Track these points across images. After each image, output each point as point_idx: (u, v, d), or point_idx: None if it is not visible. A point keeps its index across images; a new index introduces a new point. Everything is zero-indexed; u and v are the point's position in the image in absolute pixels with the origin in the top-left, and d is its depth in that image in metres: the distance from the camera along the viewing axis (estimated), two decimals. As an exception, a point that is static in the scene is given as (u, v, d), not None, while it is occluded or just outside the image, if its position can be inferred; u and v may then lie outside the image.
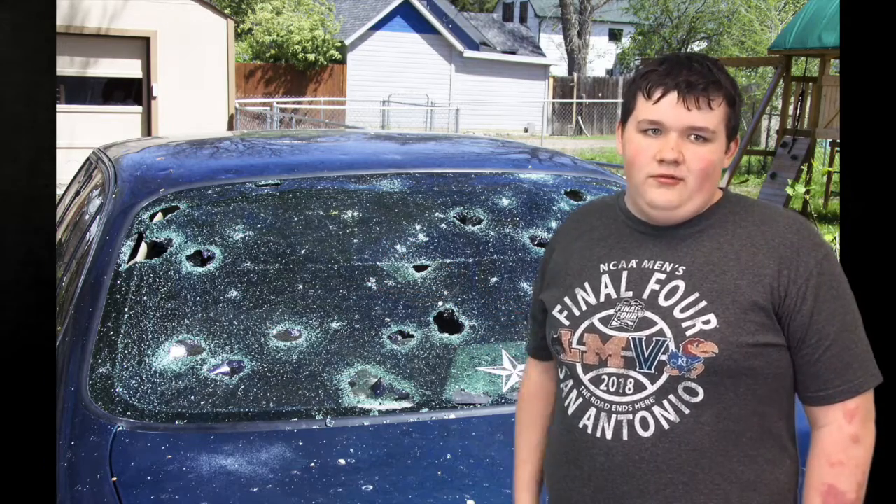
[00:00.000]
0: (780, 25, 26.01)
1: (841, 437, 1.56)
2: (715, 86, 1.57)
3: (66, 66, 13.88)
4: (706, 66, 1.58)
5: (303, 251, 2.64)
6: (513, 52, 33.43)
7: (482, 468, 2.05)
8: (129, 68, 14.55)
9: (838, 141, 13.02)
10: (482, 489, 1.97)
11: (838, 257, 1.73)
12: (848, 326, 1.58)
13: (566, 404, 1.66)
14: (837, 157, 13.58)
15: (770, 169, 13.74)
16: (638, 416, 1.56)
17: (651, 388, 1.55)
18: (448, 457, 2.10)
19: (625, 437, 1.56)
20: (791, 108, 13.97)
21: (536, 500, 1.84)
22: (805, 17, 13.07)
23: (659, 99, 1.57)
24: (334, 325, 2.46)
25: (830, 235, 6.06)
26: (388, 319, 2.51)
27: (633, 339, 1.57)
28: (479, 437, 2.19)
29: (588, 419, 1.60)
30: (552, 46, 39.87)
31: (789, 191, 6.50)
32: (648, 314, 1.58)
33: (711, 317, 1.54)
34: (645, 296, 1.60)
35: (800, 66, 17.51)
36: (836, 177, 13.98)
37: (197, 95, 14.63)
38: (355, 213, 2.75)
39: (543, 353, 1.83)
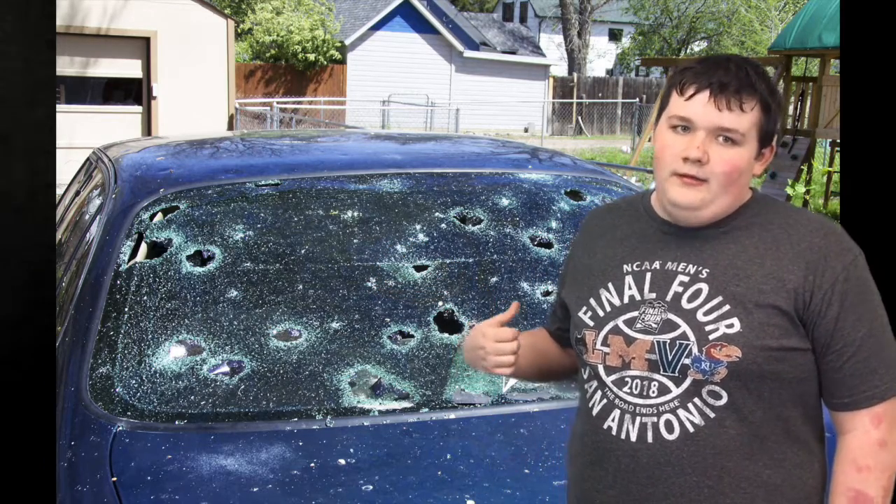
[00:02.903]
0: (780, 25, 26.02)
1: (868, 441, 1.54)
2: (749, 89, 1.55)
3: (66, 66, 13.87)
4: (744, 68, 1.56)
5: (303, 251, 2.64)
6: (513, 52, 33.42)
7: (482, 468, 2.05)
8: (129, 68, 14.54)
9: (838, 141, 13.03)
10: (482, 489, 1.97)
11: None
12: (875, 332, 1.55)
13: (591, 405, 1.65)
14: (837, 157, 13.58)
15: (770, 169, 13.74)
16: (663, 418, 1.55)
17: (675, 391, 1.55)
18: (448, 457, 2.10)
19: (649, 439, 1.56)
20: (791, 108, 13.97)
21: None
22: (805, 17, 13.07)
23: (691, 96, 1.56)
24: (334, 325, 2.46)
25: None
26: (388, 319, 2.51)
27: (658, 341, 1.57)
28: (479, 437, 2.19)
29: (613, 420, 1.60)
30: (552, 46, 39.88)
31: (789, 191, 6.49)
32: (672, 316, 1.57)
33: (735, 320, 1.53)
34: (668, 298, 1.59)
35: (800, 66, 17.52)
36: (836, 177, 13.98)
37: (197, 95, 14.62)
38: (355, 213, 2.75)
39: (556, 335, 1.88)
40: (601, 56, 42.26)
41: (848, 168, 2.08)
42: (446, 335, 2.50)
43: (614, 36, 46.83)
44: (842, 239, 1.59)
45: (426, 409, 2.28)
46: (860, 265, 1.58)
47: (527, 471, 2.04)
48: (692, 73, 1.57)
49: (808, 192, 12.04)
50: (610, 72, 44.14)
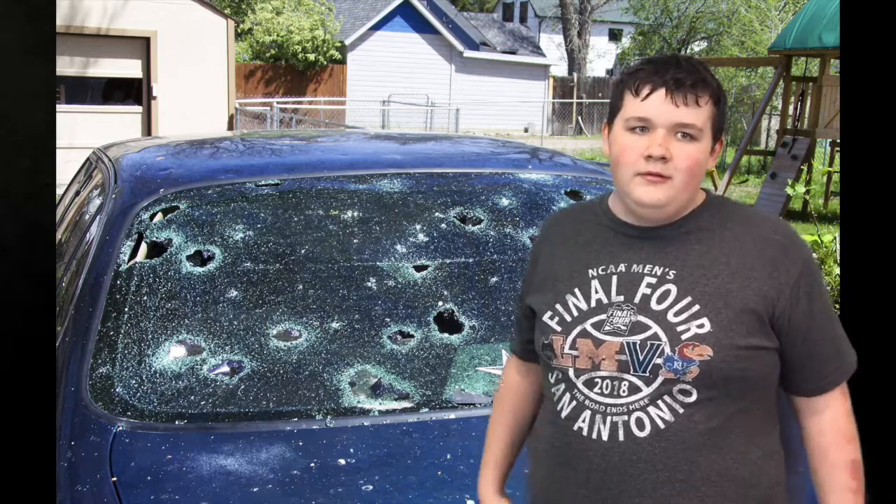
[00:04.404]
0: (780, 25, 26.00)
1: (845, 413, 1.65)
2: (702, 83, 1.59)
3: (66, 66, 13.87)
4: (693, 64, 1.61)
5: (303, 251, 2.64)
6: (513, 52, 33.41)
7: (482, 468, 2.05)
8: (129, 68, 14.54)
9: (838, 141, 13.02)
10: (482, 489, 1.97)
11: (838, 257, 1.75)
12: (832, 315, 1.65)
13: (559, 408, 1.66)
14: (837, 157, 13.57)
15: (770, 169, 13.74)
16: (633, 416, 1.57)
17: (646, 391, 1.57)
18: (448, 457, 2.10)
19: (621, 437, 1.57)
20: (791, 108, 13.97)
21: (501, 495, 1.87)
22: (805, 17, 13.07)
23: (647, 96, 1.58)
24: (334, 325, 2.46)
25: (830, 235, 6.05)
26: (388, 319, 2.51)
27: (628, 343, 1.58)
28: (479, 437, 2.18)
29: (583, 421, 1.61)
30: (552, 46, 39.86)
31: (789, 191, 6.47)
32: (641, 318, 1.59)
33: (705, 320, 1.56)
34: (637, 300, 1.61)
35: (800, 66, 17.50)
36: (836, 177, 13.98)
37: (197, 95, 14.62)
38: (355, 213, 2.75)
39: (526, 354, 1.85)
40: (601, 56, 42.23)
41: (848, 168, 2.07)
42: (446, 335, 2.50)
43: (614, 36, 46.80)
44: (796, 235, 1.66)
45: (426, 409, 2.28)
46: (811, 257, 1.66)
47: (526, 471, 2.04)
48: (644, 73, 1.60)
49: (808, 192, 12.04)
50: (610, 72, 44.12)
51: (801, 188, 6.35)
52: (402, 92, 27.49)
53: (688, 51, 34.16)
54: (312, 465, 2.04)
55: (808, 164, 12.71)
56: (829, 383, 1.63)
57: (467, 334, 2.51)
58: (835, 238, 5.83)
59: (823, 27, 12.36)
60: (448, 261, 2.69)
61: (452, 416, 2.26)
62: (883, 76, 1.97)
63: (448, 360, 2.44)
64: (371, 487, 1.97)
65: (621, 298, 1.62)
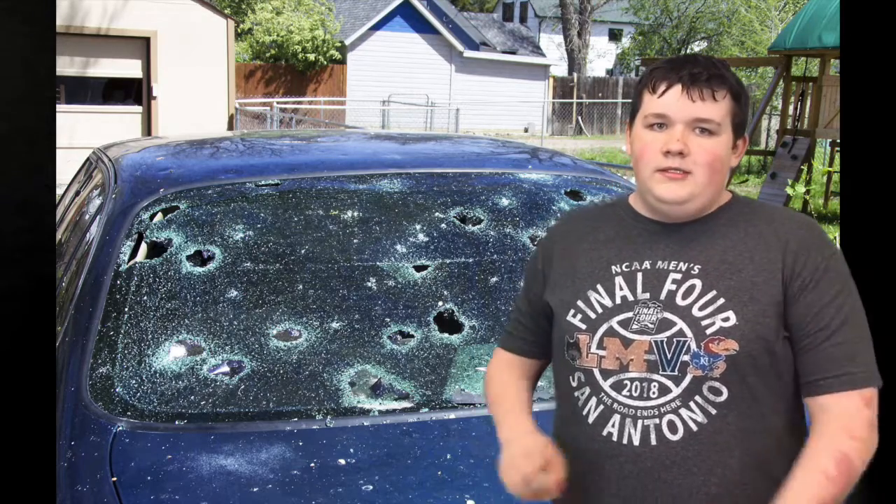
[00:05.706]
0: (780, 25, 26.01)
1: (861, 417, 1.51)
2: (718, 78, 1.58)
3: (66, 66, 13.88)
4: (710, 61, 1.60)
5: (303, 251, 2.64)
6: (513, 52, 33.42)
7: (482, 468, 2.05)
8: (129, 68, 14.55)
9: (838, 141, 13.02)
10: (482, 489, 1.97)
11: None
12: (855, 323, 1.56)
13: (585, 413, 1.62)
14: (837, 157, 13.58)
15: (770, 169, 13.74)
16: (665, 419, 1.54)
17: (676, 391, 1.54)
18: (448, 457, 2.10)
19: (653, 441, 1.55)
20: (791, 108, 13.97)
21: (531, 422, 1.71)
22: (805, 17, 13.07)
23: (664, 92, 1.58)
24: (334, 325, 2.46)
25: (830, 235, 6.07)
26: (388, 319, 2.51)
27: (656, 341, 1.56)
28: (479, 437, 2.19)
29: (612, 426, 1.58)
30: (552, 46, 39.87)
31: (789, 191, 6.48)
32: (667, 315, 1.57)
33: (730, 314, 1.54)
34: (662, 296, 1.59)
35: (800, 66, 17.51)
36: (836, 177, 13.97)
37: (197, 95, 14.62)
38: (355, 213, 2.75)
39: (524, 351, 1.79)
40: (601, 56, 42.24)
41: (848, 168, 2.08)
42: (446, 335, 2.50)
43: (614, 36, 46.81)
44: (822, 235, 1.62)
45: (426, 409, 2.28)
46: (840, 260, 1.60)
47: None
48: (661, 70, 1.60)
49: (808, 192, 12.04)
50: (610, 72, 44.13)
51: (801, 188, 6.36)
52: (402, 92, 27.48)
53: (687, 51, 34.19)
54: (312, 465, 2.03)
55: (808, 164, 12.72)
56: (836, 382, 1.52)
57: (467, 334, 2.51)
58: (835, 238, 5.83)
59: (823, 27, 12.37)
60: (448, 261, 2.69)
61: (452, 416, 2.26)
62: (883, 76, 1.97)
63: (448, 360, 2.44)
64: (371, 487, 1.97)
65: (647, 296, 1.60)
